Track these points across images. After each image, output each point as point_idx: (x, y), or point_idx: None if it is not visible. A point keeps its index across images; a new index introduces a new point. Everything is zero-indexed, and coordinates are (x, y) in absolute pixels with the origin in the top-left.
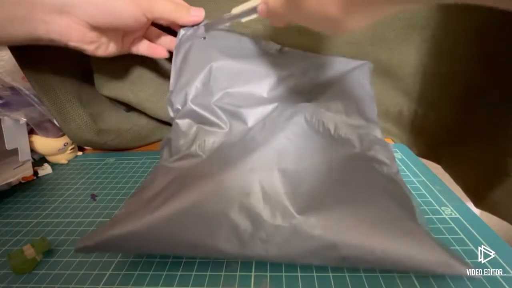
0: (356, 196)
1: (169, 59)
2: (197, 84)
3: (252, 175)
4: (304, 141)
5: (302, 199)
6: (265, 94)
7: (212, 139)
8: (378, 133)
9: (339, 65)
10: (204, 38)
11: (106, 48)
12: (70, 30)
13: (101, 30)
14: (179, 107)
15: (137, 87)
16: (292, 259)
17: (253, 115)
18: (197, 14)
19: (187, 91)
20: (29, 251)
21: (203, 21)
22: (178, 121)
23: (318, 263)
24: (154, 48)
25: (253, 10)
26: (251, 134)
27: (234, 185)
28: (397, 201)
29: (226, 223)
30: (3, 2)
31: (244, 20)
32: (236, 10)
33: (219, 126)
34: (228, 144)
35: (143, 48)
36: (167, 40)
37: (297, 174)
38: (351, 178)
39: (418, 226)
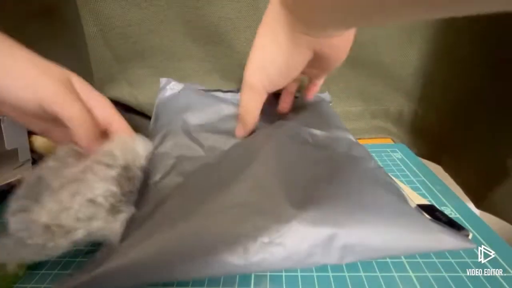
0: (349, 187)
1: None
2: (172, 128)
3: (246, 183)
4: (290, 148)
5: (299, 197)
6: None
7: (191, 164)
8: (352, 137)
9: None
10: (179, 92)
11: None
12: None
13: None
14: (157, 143)
15: (136, 90)
16: (298, 261)
17: (228, 139)
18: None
19: (166, 131)
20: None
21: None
22: (156, 152)
23: (321, 260)
24: None
25: None
26: (232, 151)
27: (228, 196)
28: (387, 188)
29: (226, 233)
30: None
31: None
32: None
33: (196, 151)
34: (209, 164)
35: None
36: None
37: (290, 175)
38: (341, 172)
39: (411, 208)
